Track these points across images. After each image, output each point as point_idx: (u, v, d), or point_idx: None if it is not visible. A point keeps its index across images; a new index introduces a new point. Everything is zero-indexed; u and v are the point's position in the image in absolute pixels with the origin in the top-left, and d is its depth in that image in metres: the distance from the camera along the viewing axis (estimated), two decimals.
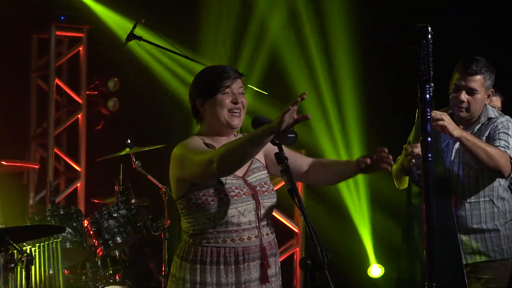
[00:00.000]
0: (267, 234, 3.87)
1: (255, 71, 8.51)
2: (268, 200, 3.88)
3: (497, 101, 6.08)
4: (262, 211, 3.83)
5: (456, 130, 4.78)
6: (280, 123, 3.40)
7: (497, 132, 4.97)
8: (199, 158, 3.69)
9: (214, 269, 3.77)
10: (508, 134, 4.96)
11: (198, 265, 3.78)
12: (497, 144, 4.90)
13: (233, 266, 3.77)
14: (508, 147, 4.90)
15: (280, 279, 3.97)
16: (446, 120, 4.76)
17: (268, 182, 3.94)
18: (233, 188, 3.79)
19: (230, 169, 3.66)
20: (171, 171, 3.87)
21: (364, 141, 8.32)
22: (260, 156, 3.99)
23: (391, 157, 3.86)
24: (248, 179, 3.87)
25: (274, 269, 3.89)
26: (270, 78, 8.40)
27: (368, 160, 3.88)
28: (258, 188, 3.86)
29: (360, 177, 8.13)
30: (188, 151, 3.78)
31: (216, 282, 3.77)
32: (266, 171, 3.99)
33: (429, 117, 4.15)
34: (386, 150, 3.85)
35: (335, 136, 8.50)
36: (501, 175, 4.91)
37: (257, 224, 3.82)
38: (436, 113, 4.74)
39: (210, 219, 3.76)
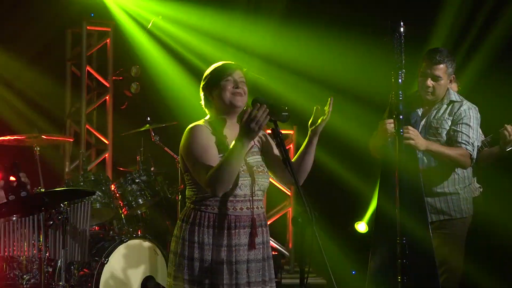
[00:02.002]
0: (257, 208, 3.82)
1: None
2: (263, 180, 3.84)
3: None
4: (256, 188, 3.80)
5: (422, 146, 4.80)
6: (252, 133, 3.54)
7: (460, 122, 4.98)
8: (198, 173, 3.70)
9: (210, 231, 3.74)
10: (469, 125, 4.96)
11: (196, 227, 3.75)
12: (459, 140, 4.93)
13: (225, 231, 3.74)
14: (468, 142, 4.91)
15: (270, 247, 3.93)
16: (414, 137, 4.76)
17: (263, 165, 3.88)
18: None
19: (225, 187, 3.65)
20: (180, 150, 3.84)
21: None
22: (259, 143, 3.96)
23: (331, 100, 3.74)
24: (247, 159, 3.82)
25: (261, 238, 3.84)
26: None
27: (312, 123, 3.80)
28: (254, 168, 3.81)
29: None
30: (193, 151, 3.74)
31: (210, 243, 3.74)
32: (262, 156, 3.93)
33: (401, 98, 4.16)
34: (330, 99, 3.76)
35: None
36: (463, 168, 5.01)
37: (251, 198, 3.78)
38: (409, 131, 4.74)
39: None
